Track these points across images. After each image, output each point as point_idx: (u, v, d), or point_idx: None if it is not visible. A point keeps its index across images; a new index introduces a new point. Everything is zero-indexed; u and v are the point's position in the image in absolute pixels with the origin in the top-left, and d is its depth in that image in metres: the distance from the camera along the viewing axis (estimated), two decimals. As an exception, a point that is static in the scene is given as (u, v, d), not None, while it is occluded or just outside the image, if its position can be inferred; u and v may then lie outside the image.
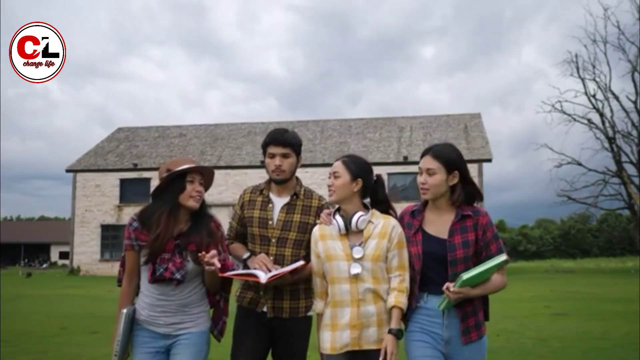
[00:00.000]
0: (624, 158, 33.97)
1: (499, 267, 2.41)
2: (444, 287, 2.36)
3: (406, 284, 2.52)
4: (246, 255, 2.88)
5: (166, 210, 2.59)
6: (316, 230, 2.70)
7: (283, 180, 2.88)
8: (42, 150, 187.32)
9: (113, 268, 28.44)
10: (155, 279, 2.56)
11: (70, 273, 31.14)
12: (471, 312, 2.47)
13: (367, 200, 2.70)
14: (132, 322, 2.65)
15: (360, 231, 2.57)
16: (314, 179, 25.77)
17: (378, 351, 2.45)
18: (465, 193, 2.55)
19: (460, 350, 2.47)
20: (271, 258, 2.79)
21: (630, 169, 33.81)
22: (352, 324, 2.50)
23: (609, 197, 34.81)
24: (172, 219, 2.60)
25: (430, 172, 2.53)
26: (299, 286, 2.85)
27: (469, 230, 2.51)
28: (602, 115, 34.36)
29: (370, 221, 2.59)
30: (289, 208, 2.89)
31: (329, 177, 2.66)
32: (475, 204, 2.62)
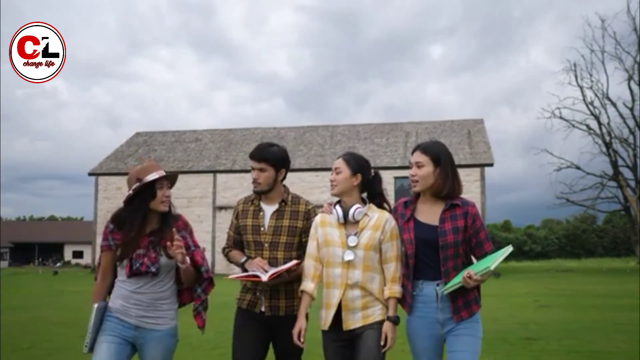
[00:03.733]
0: (620, 162, 35.11)
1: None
2: (466, 275, 2.49)
3: (399, 273, 2.74)
4: (243, 259, 3.05)
5: (139, 215, 2.78)
6: (318, 218, 2.89)
7: (260, 192, 3.05)
8: (50, 150, 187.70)
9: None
10: (132, 273, 2.74)
11: (92, 271, 32.57)
12: (459, 292, 2.61)
13: (365, 195, 2.90)
14: (103, 316, 2.80)
15: (357, 222, 2.75)
16: (324, 182, 26.82)
17: (362, 327, 2.69)
18: (451, 185, 2.71)
19: (455, 329, 2.63)
20: (265, 261, 2.95)
21: (627, 173, 35.02)
22: (339, 305, 2.71)
23: (606, 200, 36.03)
24: (144, 222, 2.80)
25: (419, 165, 2.71)
26: (294, 286, 2.97)
27: (458, 218, 2.65)
28: (599, 121, 35.58)
29: (366, 214, 2.77)
30: (278, 214, 3.05)
31: (332, 174, 2.88)
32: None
